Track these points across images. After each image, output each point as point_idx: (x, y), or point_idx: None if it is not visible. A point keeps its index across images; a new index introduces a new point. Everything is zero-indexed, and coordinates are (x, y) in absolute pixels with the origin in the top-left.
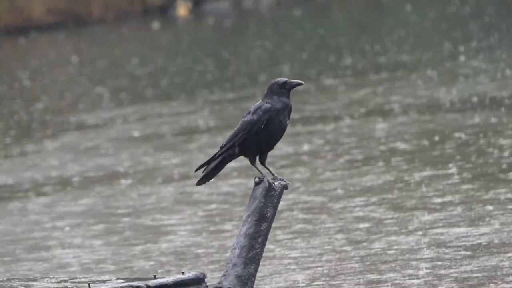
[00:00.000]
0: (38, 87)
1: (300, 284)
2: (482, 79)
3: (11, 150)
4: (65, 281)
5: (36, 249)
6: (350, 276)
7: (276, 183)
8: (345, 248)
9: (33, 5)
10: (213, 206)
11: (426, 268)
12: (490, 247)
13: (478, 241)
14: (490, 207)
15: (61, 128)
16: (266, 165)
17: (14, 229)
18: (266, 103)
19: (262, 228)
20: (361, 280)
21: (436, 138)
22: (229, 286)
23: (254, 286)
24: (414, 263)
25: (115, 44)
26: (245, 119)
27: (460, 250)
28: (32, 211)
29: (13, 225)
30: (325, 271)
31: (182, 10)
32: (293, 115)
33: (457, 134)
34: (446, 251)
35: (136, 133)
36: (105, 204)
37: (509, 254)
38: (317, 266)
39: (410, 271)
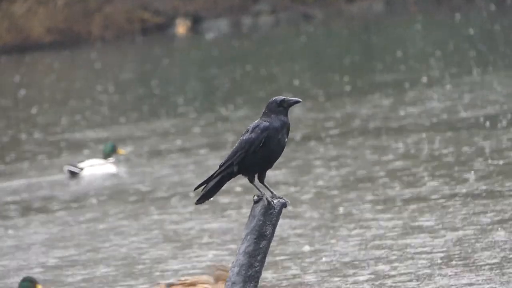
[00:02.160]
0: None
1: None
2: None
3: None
4: None
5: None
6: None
7: (275, 201)
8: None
9: (32, 24)
10: (210, 224)
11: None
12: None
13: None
14: None
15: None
16: (265, 183)
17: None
18: (265, 121)
19: (261, 246)
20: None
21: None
22: None
23: None
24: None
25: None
26: (244, 138)
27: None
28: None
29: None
30: None
31: (181, 29)
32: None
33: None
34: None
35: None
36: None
37: None
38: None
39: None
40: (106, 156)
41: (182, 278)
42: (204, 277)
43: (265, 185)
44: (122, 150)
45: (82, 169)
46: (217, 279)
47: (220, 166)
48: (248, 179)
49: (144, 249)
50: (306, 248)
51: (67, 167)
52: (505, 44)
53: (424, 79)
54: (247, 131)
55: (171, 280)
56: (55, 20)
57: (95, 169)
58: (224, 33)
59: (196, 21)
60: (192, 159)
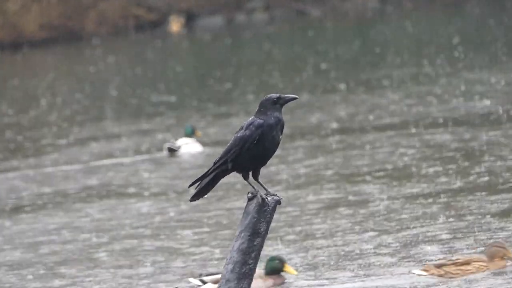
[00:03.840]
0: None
1: None
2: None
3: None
4: None
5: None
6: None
7: (269, 198)
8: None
9: (26, 21)
10: (207, 220)
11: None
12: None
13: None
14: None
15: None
16: (259, 180)
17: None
18: (259, 118)
19: (255, 243)
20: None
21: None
22: None
23: None
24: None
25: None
26: (238, 135)
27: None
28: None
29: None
30: None
31: (175, 26)
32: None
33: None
34: None
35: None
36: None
37: None
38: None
39: None
40: (187, 137)
41: (453, 258)
42: (477, 255)
43: (259, 182)
44: (199, 132)
45: (180, 147)
46: (492, 257)
47: (215, 163)
48: (242, 176)
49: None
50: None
51: (167, 145)
52: (496, 40)
53: (418, 75)
54: (242, 128)
55: (441, 261)
56: (49, 16)
57: (189, 147)
58: (217, 30)
59: (189, 18)
60: None
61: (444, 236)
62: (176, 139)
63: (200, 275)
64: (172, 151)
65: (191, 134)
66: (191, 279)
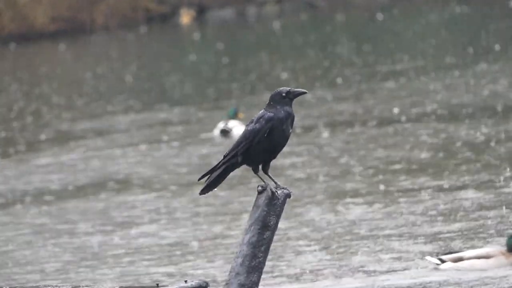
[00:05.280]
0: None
1: None
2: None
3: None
4: None
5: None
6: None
7: (279, 191)
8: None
9: (36, 13)
10: (215, 214)
11: None
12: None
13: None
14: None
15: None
16: (269, 173)
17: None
18: (269, 112)
19: (265, 236)
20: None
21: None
22: None
23: None
24: None
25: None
26: (248, 128)
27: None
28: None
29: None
30: None
31: (185, 18)
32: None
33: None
34: None
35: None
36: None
37: None
38: None
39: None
40: (230, 119)
41: None
42: None
43: (269, 176)
44: (242, 114)
45: (231, 128)
46: None
47: (224, 157)
48: (252, 169)
49: None
50: None
51: (221, 126)
52: (506, 32)
53: (423, 69)
54: (252, 121)
55: None
56: (59, 8)
57: (239, 128)
58: (227, 22)
59: (200, 11)
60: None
61: None
62: (226, 122)
63: (437, 254)
64: (225, 132)
65: (233, 116)
66: (428, 258)
